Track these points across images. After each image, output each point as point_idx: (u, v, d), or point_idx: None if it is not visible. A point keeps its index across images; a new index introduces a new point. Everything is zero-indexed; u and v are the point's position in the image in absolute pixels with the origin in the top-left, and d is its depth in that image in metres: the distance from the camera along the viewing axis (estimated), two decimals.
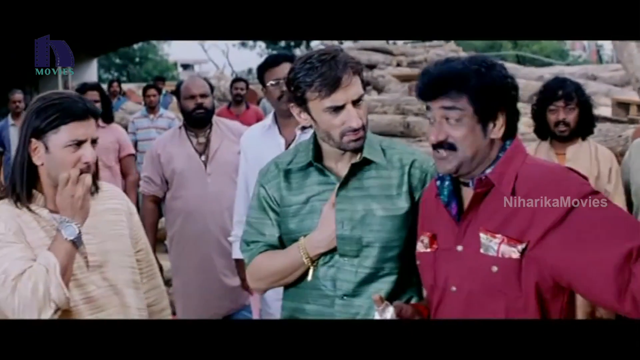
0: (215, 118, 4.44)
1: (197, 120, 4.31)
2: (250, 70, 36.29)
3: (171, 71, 42.36)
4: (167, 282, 4.04)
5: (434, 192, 2.19)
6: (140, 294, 2.58)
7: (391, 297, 2.33)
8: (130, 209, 2.65)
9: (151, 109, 8.83)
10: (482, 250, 2.03)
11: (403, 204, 2.39)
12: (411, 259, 2.31)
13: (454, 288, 2.10)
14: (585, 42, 34.80)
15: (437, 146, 2.05)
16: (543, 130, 3.97)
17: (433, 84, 2.05)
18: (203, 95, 4.30)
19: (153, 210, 4.49)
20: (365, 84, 2.41)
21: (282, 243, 2.49)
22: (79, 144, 2.33)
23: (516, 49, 32.83)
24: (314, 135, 2.46)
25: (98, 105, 5.35)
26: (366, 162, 2.40)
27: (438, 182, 2.17)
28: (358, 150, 2.38)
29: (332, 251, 2.39)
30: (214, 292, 4.22)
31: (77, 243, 2.30)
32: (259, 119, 8.45)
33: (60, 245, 2.27)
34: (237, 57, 41.56)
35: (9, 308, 2.22)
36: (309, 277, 2.42)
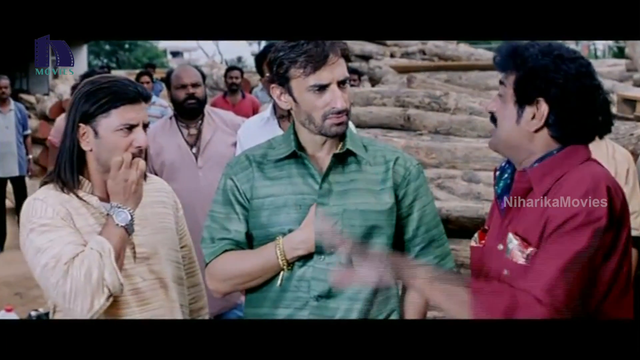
0: (207, 108, 4.31)
1: (188, 111, 4.18)
2: (240, 59, 36.23)
3: (160, 58, 42.27)
4: None
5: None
6: (184, 291, 2.54)
7: (370, 298, 2.26)
8: (177, 204, 2.62)
9: None
10: (505, 252, 1.94)
11: (387, 199, 2.28)
12: None
13: None
14: None
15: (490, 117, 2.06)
16: None
17: (497, 59, 2.02)
18: (195, 85, 4.17)
19: None
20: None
21: (249, 240, 2.33)
22: (131, 128, 2.29)
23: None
24: (293, 125, 2.35)
25: None
26: (348, 155, 2.31)
27: (498, 173, 2.08)
28: (339, 138, 2.30)
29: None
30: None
31: (129, 229, 2.26)
32: (255, 108, 8.53)
33: (112, 231, 2.23)
34: (227, 44, 41.47)
35: (60, 293, 2.17)
36: (278, 283, 2.26)
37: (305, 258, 2.25)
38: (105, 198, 2.32)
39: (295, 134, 2.33)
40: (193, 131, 4.19)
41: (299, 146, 2.31)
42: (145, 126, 2.33)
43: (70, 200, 2.30)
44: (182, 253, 2.58)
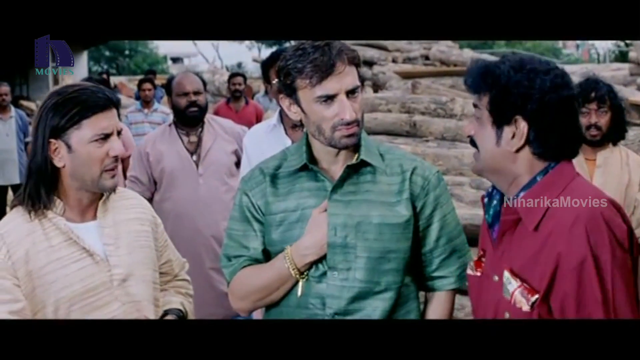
0: (208, 116, 4.28)
1: (190, 119, 4.16)
2: (240, 64, 36.29)
3: (161, 64, 42.30)
4: None
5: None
6: (158, 312, 2.41)
7: (388, 315, 2.16)
8: (156, 219, 2.49)
9: (146, 103, 8.86)
10: (502, 290, 1.85)
11: (403, 212, 2.18)
12: (412, 274, 2.22)
13: None
14: (579, 41, 34.94)
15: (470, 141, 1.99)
16: None
17: (468, 81, 1.94)
18: (197, 93, 4.15)
19: None
20: (362, 80, 2.18)
21: (267, 257, 2.26)
22: (105, 137, 2.18)
23: (509, 46, 32.69)
24: (306, 136, 2.27)
25: None
26: (363, 165, 2.22)
27: (486, 199, 2.00)
28: (352, 149, 2.21)
29: (321, 261, 2.16)
30: (205, 298, 3.97)
31: None
32: (258, 114, 8.56)
33: None
34: (227, 50, 41.53)
35: None
36: (299, 293, 2.18)
37: (319, 275, 2.17)
38: (77, 219, 2.22)
39: (308, 144, 2.25)
40: (193, 139, 4.17)
41: (311, 158, 2.23)
42: (119, 133, 2.23)
43: (34, 231, 2.18)
44: (164, 269, 2.48)
